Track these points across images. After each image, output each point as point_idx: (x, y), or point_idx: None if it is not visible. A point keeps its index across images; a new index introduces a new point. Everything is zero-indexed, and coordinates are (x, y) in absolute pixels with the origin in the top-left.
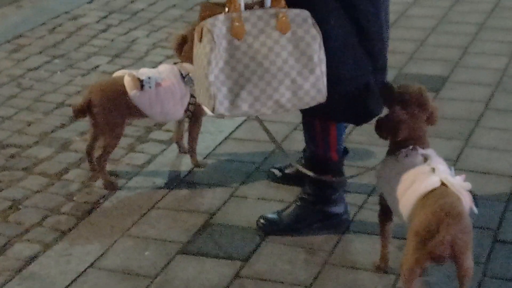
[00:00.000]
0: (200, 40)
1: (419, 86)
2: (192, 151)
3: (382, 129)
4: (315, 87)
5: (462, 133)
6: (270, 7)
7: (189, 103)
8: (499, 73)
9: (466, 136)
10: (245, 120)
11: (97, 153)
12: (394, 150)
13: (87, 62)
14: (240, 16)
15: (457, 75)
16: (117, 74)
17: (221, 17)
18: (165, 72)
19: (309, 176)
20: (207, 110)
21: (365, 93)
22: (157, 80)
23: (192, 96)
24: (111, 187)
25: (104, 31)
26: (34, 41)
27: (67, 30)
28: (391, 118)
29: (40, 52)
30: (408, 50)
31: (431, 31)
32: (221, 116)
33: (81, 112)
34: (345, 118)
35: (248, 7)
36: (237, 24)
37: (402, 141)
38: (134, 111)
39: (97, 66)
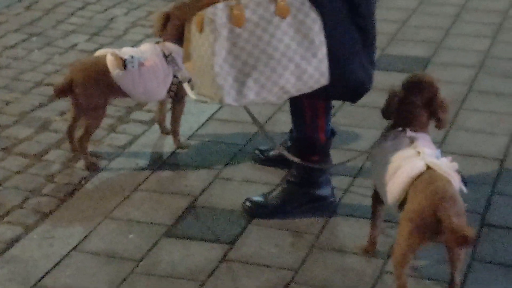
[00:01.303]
0: (201, 30)
1: (424, 74)
2: (174, 132)
3: (382, 109)
4: (318, 70)
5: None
6: None
7: (171, 83)
8: (482, 54)
9: (451, 118)
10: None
11: (78, 133)
12: (386, 132)
13: (65, 40)
14: (239, 3)
15: (440, 56)
16: (99, 53)
17: (220, 5)
18: (148, 51)
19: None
20: (190, 93)
21: (358, 69)
22: (140, 59)
23: (175, 76)
24: (93, 168)
25: (81, 8)
26: (10, 18)
27: (44, 7)
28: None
29: (17, 30)
30: (389, 31)
31: (412, 12)
32: (224, 102)
33: (62, 91)
34: (342, 96)
35: None
36: (236, 12)
37: (396, 122)
38: (116, 91)
39: (76, 45)
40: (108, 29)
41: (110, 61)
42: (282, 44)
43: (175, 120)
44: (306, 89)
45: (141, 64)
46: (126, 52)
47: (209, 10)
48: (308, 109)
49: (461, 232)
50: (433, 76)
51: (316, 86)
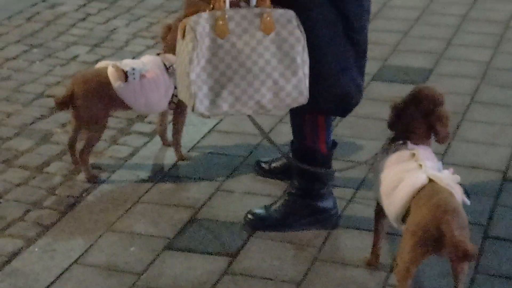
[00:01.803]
0: (183, 37)
1: (427, 86)
2: (176, 144)
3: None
4: (297, 89)
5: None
6: (255, 6)
7: (173, 95)
8: (484, 65)
9: (453, 129)
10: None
11: (79, 145)
12: (388, 144)
13: (66, 51)
14: (224, 15)
15: (442, 67)
16: (100, 65)
17: (205, 14)
18: (149, 63)
19: (297, 169)
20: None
21: (349, 83)
22: (142, 71)
23: (176, 87)
24: (94, 181)
25: (83, 20)
26: (12, 29)
27: (45, 18)
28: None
29: (18, 41)
30: (391, 42)
31: (414, 22)
32: (203, 115)
33: (64, 104)
34: (332, 111)
35: (233, 4)
36: (220, 22)
37: (397, 135)
38: (118, 103)
39: (77, 56)
40: (109, 41)
41: (111, 73)
42: (262, 59)
43: (177, 132)
44: (283, 107)
45: (142, 76)
46: (127, 64)
47: (192, 19)
48: (308, 119)
49: (462, 247)
50: (436, 89)
51: (294, 105)
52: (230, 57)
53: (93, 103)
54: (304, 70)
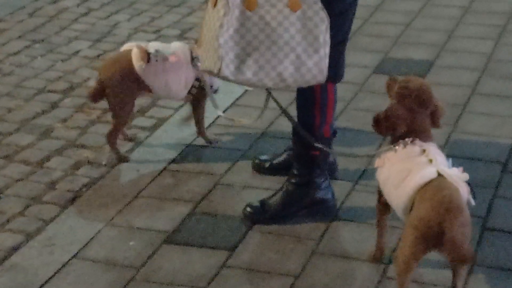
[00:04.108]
0: (214, 5)
1: (421, 81)
2: (201, 131)
3: (381, 125)
4: (317, 66)
5: (450, 118)
6: None
7: (193, 86)
8: (485, 57)
9: (454, 121)
10: (229, 107)
11: (107, 129)
12: (394, 141)
13: (68, 46)
14: None
15: (443, 59)
16: (125, 47)
17: None
18: (176, 48)
19: (297, 155)
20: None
21: (343, 61)
22: (165, 54)
23: (197, 79)
24: (125, 160)
25: (85, 15)
26: (14, 25)
27: (47, 13)
28: (389, 114)
29: (20, 37)
30: (393, 34)
31: (416, 14)
32: (227, 79)
33: (96, 95)
34: (336, 78)
35: None
36: None
37: (403, 135)
38: (141, 85)
39: (78, 51)
40: (111, 35)
41: (135, 54)
42: (288, 34)
43: (199, 122)
44: (302, 83)
45: (165, 59)
46: (153, 45)
47: None
48: (319, 98)
49: (460, 250)
50: (422, 81)
51: (313, 82)
52: (257, 29)
53: (121, 88)
54: (325, 49)
